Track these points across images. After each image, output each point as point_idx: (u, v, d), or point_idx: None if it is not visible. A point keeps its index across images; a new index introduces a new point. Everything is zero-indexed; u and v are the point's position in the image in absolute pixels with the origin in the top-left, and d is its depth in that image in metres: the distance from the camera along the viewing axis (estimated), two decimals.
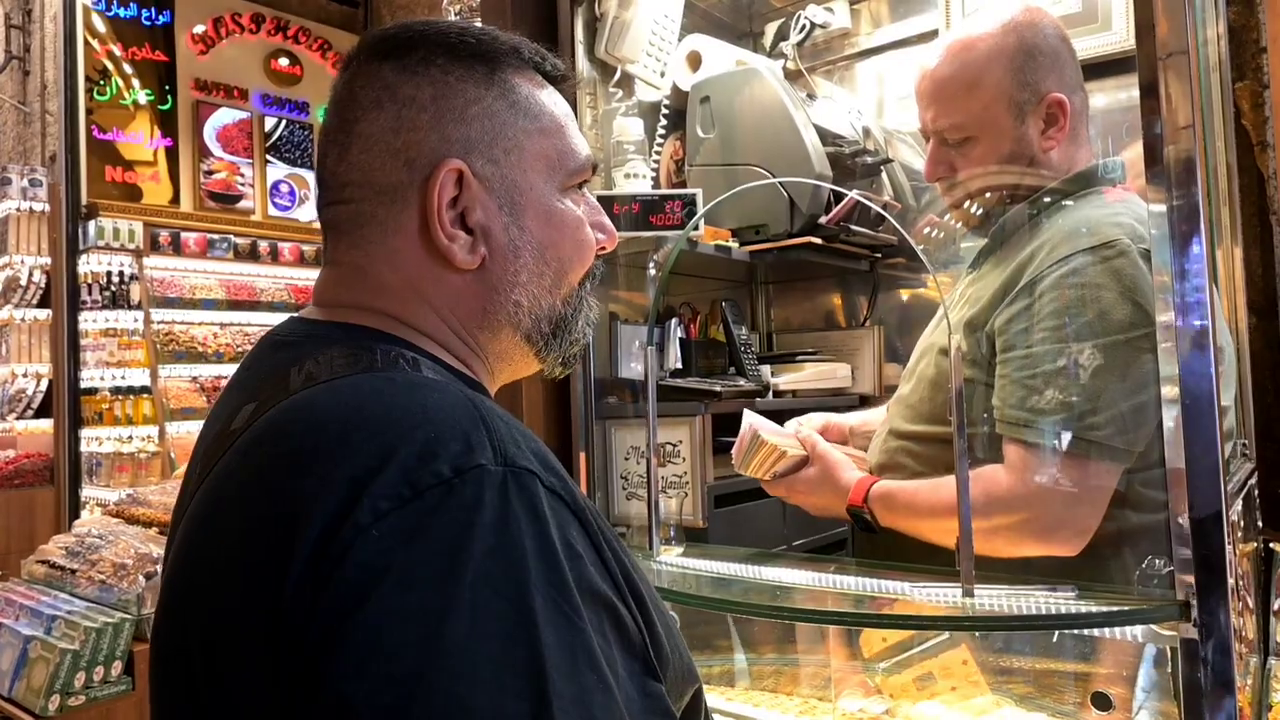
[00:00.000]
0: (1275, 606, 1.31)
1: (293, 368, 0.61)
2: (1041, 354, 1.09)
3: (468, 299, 0.69)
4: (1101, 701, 1.09)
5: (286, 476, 0.52)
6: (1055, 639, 1.14)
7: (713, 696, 1.42)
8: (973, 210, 1.29)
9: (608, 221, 0.78)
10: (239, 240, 4.56)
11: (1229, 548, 0.91)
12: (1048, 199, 1.21)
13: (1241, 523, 1.22)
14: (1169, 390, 0.92)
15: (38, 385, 4.29)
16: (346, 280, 0.70)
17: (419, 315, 0.69)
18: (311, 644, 0.46)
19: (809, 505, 1.35)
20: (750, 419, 1.36)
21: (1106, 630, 1.00)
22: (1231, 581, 0.92)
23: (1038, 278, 1.11)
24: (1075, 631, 1.07)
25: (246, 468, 0.56)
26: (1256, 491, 1.51)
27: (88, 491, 4.08)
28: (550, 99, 0.73)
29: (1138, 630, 0.96)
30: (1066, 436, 1.06)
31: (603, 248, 0.77)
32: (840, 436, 1.48)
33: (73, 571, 2.28)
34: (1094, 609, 0.96)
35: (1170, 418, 0.92)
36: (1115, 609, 0.96)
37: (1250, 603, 1.26)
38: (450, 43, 0.69)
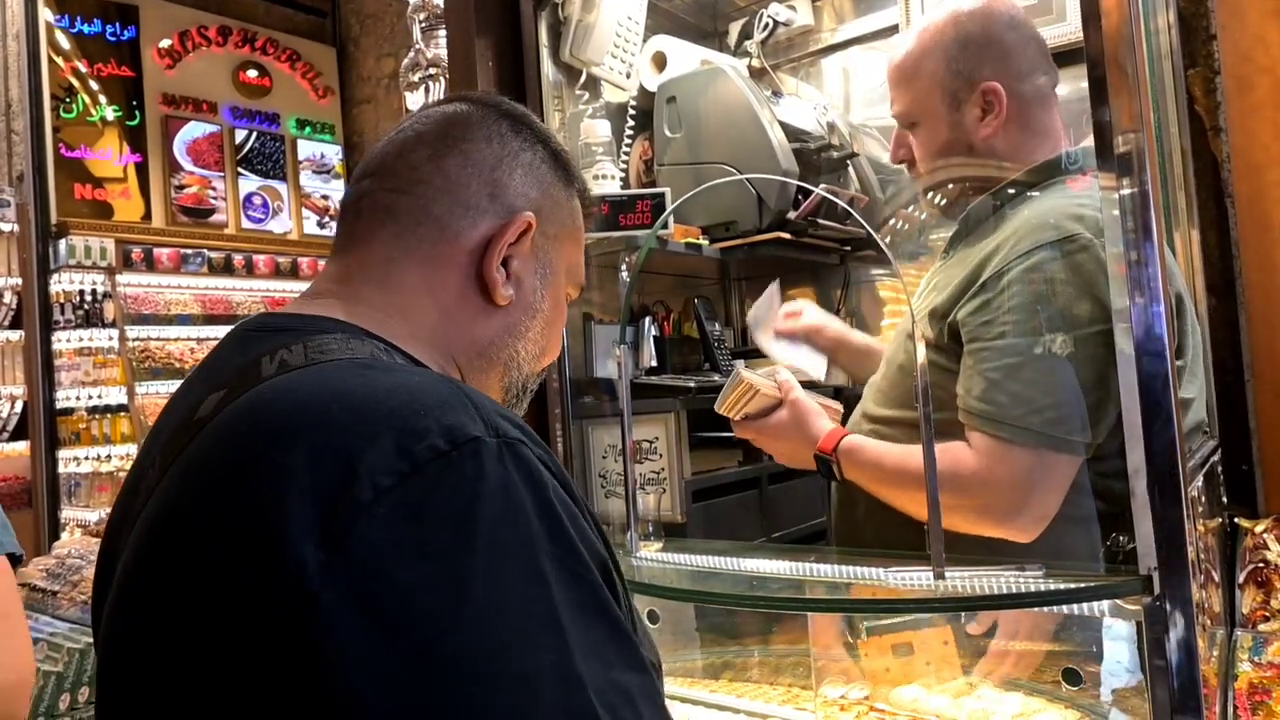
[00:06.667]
0: (1240, 580, 1.34)
1: (264, 357, 0.61)
2: (1004, 347, 1.11)
3: (480, 329, 0.76)
4: (1072, 677, 1.12)
5: (270, 453, 0.50)
6: (1030, 619, 1.16)
7: (697, 690, 1.43)
8: (934, 199, 1.33)
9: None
10: (213, 254, 4.53)
11: (1189, 523, 0.93)
12: (1012, 190, 1.24)
13: (1203, 499, 1.25)
14: (1126, 369, 0.94)
15: (12, 407, 4.24)
16: (352, 271, 0.74)
17: (420, 319, 0.72)
18: (320, 625, 0.45)
19: (776, 451, 1.35)
20: (740, 366, 1.37)
21: (1075, 607, 1.02)
22: (1193, 555, 0.94)
23: (1002, 270, 1.13)
24: (1045, 610, 1.10)
25: (221, 450, 0.54)
26: (1220, 469, 1.54)
27: (67, 513, 4.03)
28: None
29: (1104, 605, 0.98)
30: (1028, 429, 1.07)
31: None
32: (833, 343, 1.51)
33: (54, 593, 2.25)
34: (1060, 586, 0.99)
35: (1128, 396, 0.94)
36: (1081, 586, 0.98)
37: (1215, 576, 1.29)
38: (553, 146, 0.83)
